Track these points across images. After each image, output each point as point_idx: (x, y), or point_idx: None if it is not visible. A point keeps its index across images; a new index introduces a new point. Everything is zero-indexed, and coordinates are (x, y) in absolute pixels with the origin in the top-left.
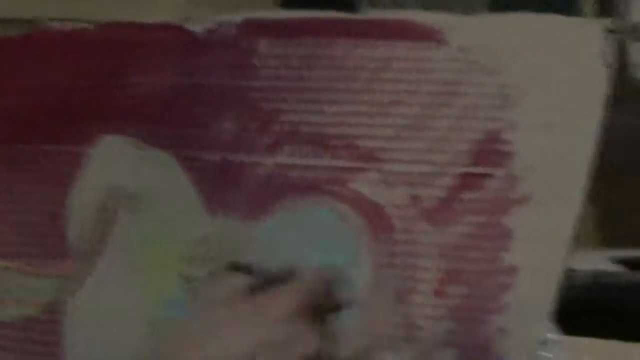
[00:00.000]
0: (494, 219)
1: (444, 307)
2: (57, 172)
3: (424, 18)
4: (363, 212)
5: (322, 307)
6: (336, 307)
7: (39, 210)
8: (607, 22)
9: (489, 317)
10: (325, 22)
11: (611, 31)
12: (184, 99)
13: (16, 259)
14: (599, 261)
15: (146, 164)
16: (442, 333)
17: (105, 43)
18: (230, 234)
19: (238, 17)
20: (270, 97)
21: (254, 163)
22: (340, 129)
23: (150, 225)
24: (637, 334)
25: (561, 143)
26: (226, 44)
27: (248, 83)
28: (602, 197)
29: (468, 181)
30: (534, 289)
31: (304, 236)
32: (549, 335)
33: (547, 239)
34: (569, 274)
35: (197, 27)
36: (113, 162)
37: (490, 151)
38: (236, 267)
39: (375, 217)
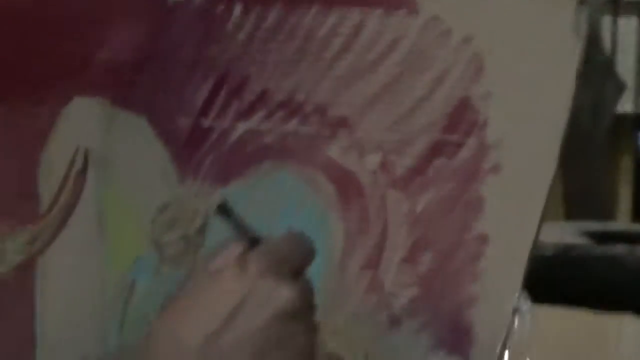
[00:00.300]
0: (465, 187)
1: (414, 275)
2: (29, 132)
3: None
4: (334, 179)
5: (296, 265)
6: (304, 266)
7: (10, 171)
8: None
9: (460, 286)
10: None
11: (584, 3)
12: (157, 64)
13: None
14: (567, 234)
15: (118, 127)
16: (412, 300)
17: (80, 5)
18: (200, 198)
19: None
20: (243, 63)
21: (226, 128)
22: (312, 95)
23: (121, 187)
24: (603, 304)
25: (533, 113)
26: (201, 8)
27: (221, 48)
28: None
29: (439, 149)
30: (505, 258)
31: (274, 201)
32: (520, 304)
33: (518, 209)
34: (538, 245)
35: None
36: (84, 124)
37: (462, 120)
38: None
39: (346, 183)
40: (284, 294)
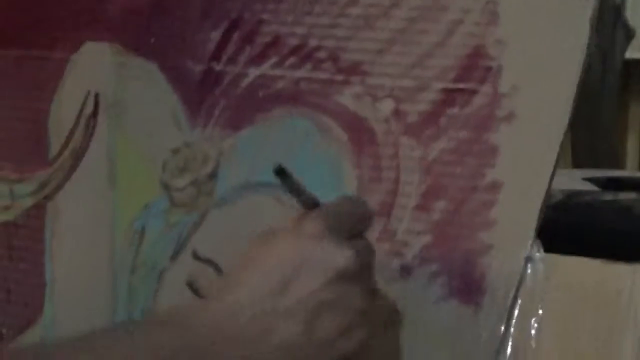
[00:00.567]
0: (479, 135)
1: (427, 222)
2: (40, 78)
3: None
4: (346, 126)
5: (353, 228)
6: (362, 229)
7: (22, 117)
8: None
9: (473, 233)
10: None
11: None
12: (169, 9)
13: (0, 165)
14: (574, 181)
15: (129, 72)
16: (424, 248)
17: None
18: (211, 143)
19: None
20: (255, 8)
21: (238, 74)
22: (325, 41)
23: (132, 132)
24: (609, 250)
25: (547, 61)
26: None
27: None
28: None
29: (453, 97)
30: (518, 206)
31: (286, 148)
32: (532, 253)
33: (532, 157)
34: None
35: None
36: (96, 69)
37: (476, 67)
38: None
39: (358, 130)
40: (339, 256)
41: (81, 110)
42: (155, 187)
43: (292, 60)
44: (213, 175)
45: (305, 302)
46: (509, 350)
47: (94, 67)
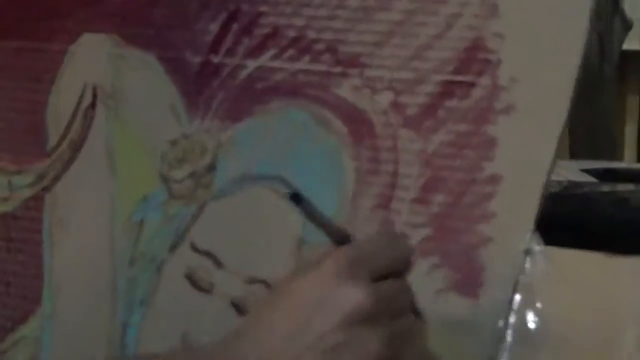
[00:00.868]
0: (478, 127)
1: (426, 215)
2: (38, 69)
3: None
4: (345, 118)
5: (380, 267)
6: (398, 270)
7: (20, 108)
8: None
9: (472, 226)
10: None
11: None
12: (168, 0)
13: None
14: (572, 172)
15: (127, 63)
16: (423, 240)
17: None
18: (210, 135)
19: None
20: (254, 0)
21: (236, 65)
22: (324, 33)
23: (130, 124)
24: (606, 242)
25: (546, 53)
26: None
27: None
28: (574, 109)
29: (452, 89)
30: (517, 199)
31: (285, 139)
32: (531, 245)
33: (531, 149)
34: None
35: None
36: (93, 60)
37: (475, 60)
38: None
39: (357, 122)
40: (352, 297)
41: (79, 102)
42: (154, 179)
43: (290, 52)
44: (211, 167)
45: (316, 345)
46: (508, 342)
47: (92, 58)
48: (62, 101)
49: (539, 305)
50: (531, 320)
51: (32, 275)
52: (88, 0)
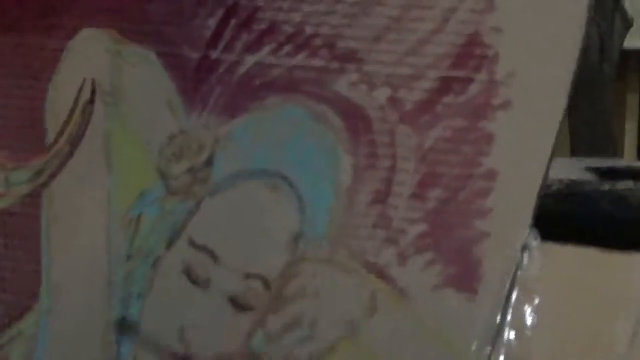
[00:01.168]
0: (475, 123)
1: (422, 210)
2: (36, 65)
3: None
4: (342, 113)
5: None
6: None
7: (18, 104)
8: None
9: (469, 221)
10: None
11: None
12: None
13: None
14: (572, 169)
15: (125, 59)
16: (419, 236)
17: None
18: (207, 131)
19: None
20: None
21: (234, 61)
22: (321, 28)
23: (128, 119)
24: (607, 240)
25: (544, 49)
26: None
27: None
28: (574, 107)
29: (449, 85)
30: (515, 195)
31: (281, 135)
32: (529, 241)
33: (528, 144)
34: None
35: None
36: (92, 55)
37: (472, 55)
38: None
39: (354, 118)
40: None
41: (77, 98)
42: (152, 175)
43: (287, 48)
44: (208, 163)
45: None
46: (504, 338)
47: (91, 54)
48: (60, 97)
49: (536, 300)
50: (528, 316)
51: (29, 272)
52: None
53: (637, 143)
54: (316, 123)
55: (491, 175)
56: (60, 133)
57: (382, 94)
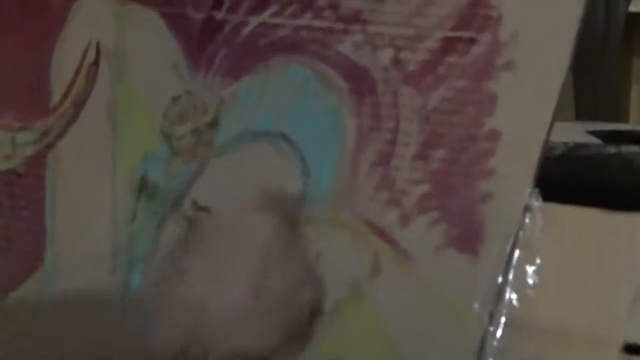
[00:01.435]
0: (478, 84)
1: (426, 171)
2: (42, 26)
3: None
4: (346, 75)
5: None
6: None
7: (24, 65)
8: None
9: (472, 182)
10: None
11: None
12: None
13: (2, 114)
14: (577, 133)
15: (130, 20)
16: (422, 197)
17: None
18: (211, 92)
19: None
20: None
21: (238, 22)
22: None
23: (133, 81)
24: (612, 203)
25: (548, 9)
26: None
27: None
28: (579, 71)
29: (452, 45)
30: (517, 155)
31: (286, 96)
32: (531, 202)
33: (531, 105)
34: (549, 143)
35: None
36: (96, 17)
37: (476, 15)
38: None
39: (358, 79)
40: None
41: (83, 59)
42: (156, 136)
43: (292, 8)
44: (213, 124)
45: None
46: (506, 299)
47: (96, 14)
48: (65, 58)
49: (538, 261)
50: (530, 276)
51: (34, 233)
52: None
53: None
54: (320, 84)
55: (494, 136)
56: (66, 94)
57: (385, 54)
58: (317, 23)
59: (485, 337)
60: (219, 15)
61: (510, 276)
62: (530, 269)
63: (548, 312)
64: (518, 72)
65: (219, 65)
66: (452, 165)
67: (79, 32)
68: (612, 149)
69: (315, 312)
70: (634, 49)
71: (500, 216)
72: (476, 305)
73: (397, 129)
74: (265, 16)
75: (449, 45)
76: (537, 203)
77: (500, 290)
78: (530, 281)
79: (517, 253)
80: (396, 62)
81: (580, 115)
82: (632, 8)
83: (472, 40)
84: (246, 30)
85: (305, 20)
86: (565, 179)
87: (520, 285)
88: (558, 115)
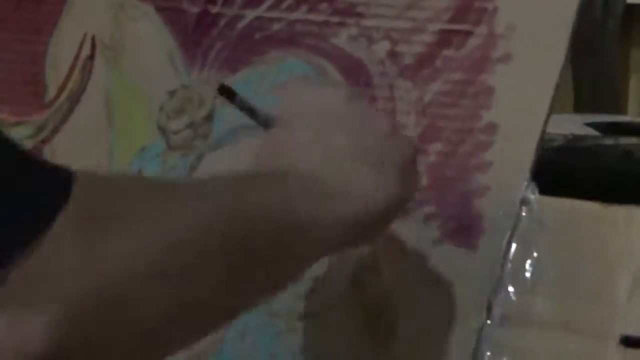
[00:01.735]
0: (475, 76)
1: (423, 164)
2: (37, 20)
3: None
4: (342, 67)
5: None
6: None
7: (19, 59)
8: None
9: (469, 175)
10: None
11: None
12: None
13: None
14: (575, 125)
15: (125, 14)
16: (419, 190)
17: None
18: (207, 86)
19: None
20: None
21: (234, 15)
22: None
23: (129, 75)
24: (611, 195)
25: (543, 1)
26: None
27: None
28: (578, 62)
29: (448, 38)
30: (514, 148)
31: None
32: (528, 195)
33: (528, 97)
34: (546, 136)
35: None
36: (92, 11)
37: (472, 8)
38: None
39: (354, 72)
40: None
41: (78, 53)
42: (152, 130)
43: (288, 2)
44: (209, 118)
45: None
46: (504, 292)
47: (92, 8)
48: (61, 52)
49: (535, 254)
50: (527, 270)
51: None
52: None
53: None
54: (316, 77)
55: (491, 128)
56: (61, 89)
57: (381, 47)
58: (312, 16)
59: (482, 330)
60: (214, 9)
61: (507, 269)
62: (527, 262)
63: (545, 305)
64: (514, 64)
65: (214, 58)
66: (449, 158)
67: (75, 25)
68: (610, 141)
69: None
70: (632, 40)
71: (497, 209)
72: (473, 299)
73: (393, 122)
74: (261, 10)
75: (445, 38)
76: (534, 196)
77: (497, 284)
78: (528, 274)
79: (514, 246)
80: (392, 55)
81: (579, 105)
82: (630, 0)
83: (468, 33)
84: (242, 24)
85: (301, 13)
86: (564, 171)
87: (517, 279)
88: (557, 106)
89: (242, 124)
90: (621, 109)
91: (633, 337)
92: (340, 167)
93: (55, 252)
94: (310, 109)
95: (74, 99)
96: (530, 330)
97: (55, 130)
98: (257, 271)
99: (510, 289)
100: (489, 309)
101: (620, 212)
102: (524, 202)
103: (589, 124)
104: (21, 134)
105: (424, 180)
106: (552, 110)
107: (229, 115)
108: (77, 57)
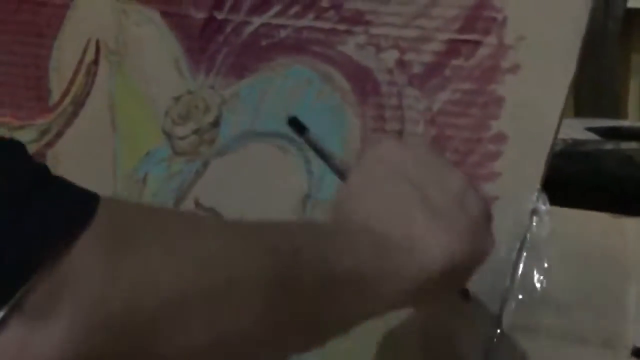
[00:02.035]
0: (484, 86)
1: None
2: (41, 24)
3: None
4: (349, 75)
5: None
6: None
7: (23, 63)
8: None
9: (478, 185)
10: None
11: None
12: None
13: (1, 112)
14: (575, 130)
15: (130, 19)
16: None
17: None
18: (213, 92)
19: None
20: None
21: (241, 22)
22: None
23: (134, 80)
24: (610, 200)
25: (553, 11)
26: None
27: None
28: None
29: (458, 48)
30: (524, 158)
31: (289, 96)
32: (537, 205)
33: (537, 108)
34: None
35: None
36: (97, 15)
37: (481, 18)
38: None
39: (362, 80)
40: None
41: (82, 57)
42: (157, 135)
43: (295, 9)
44: (215, 124)
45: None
46: (514, 302)
47: (96, 12)
48: (65, 56)
49: (545, 264)
50: (537, 280)
51: None
52: None
53: None
54: (323, 84)
55: (500, 138)
56: (65, 93)
57: (390, 56)
58: (319, 24)
59: (492, 340)
60: (221, 15)
61: (517, 279)
62: (537, 272)
63: (555, 316)
64: (524, 75)
65: (220, 64)
66: (458, 167)
67: (79, 29)
68: (610, 145)
69: None
70: (632, 44)
71: (507, 219)
72: (483, 308)
73: (402, 131)
74: (268, 16)
75: (454, 48)
76: (544, 206)
77: (507, 294)
78: (538, 285)
79: (524, 256)
80: (401, 63)
81: (580, 109)
82: (631, 4)
83: (478, 43)
84: (248, 30)
85: (308, 21)
86: (564, 175)
87: (527, 289)
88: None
89: (247, 130)
90: (621, 113)
91: None
92: (414, 222)
93: (78, 270)
94: (390, 162)
95: (78, 103)
96: (540, 340)
97: (59, 135)
98: (302, 313)
99: (521, 299)
100: (499, 319)
101: (629, 223)
102: (535, 212)
103: (590, 129)
104: (25, 138)
105: None
106: (562, 120)
107: (235, 121)
108: (81, 62)
